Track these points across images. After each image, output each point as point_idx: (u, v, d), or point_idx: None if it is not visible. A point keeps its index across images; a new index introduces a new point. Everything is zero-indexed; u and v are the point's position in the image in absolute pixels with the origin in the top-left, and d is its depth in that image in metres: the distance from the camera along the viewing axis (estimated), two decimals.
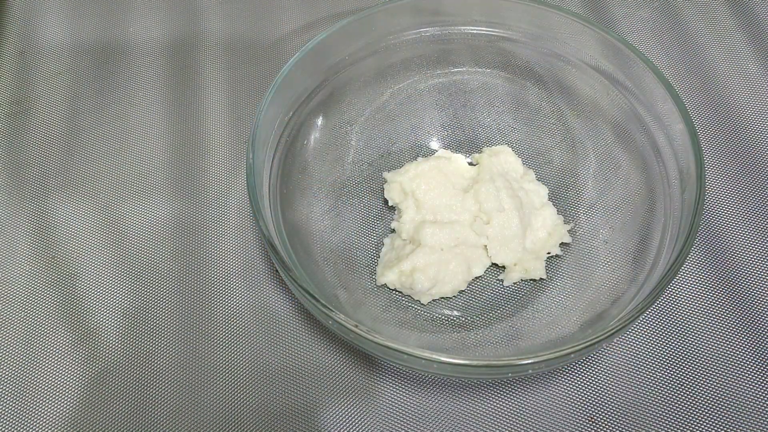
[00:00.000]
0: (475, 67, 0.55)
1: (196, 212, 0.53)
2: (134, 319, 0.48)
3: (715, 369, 0.46)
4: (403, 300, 0.49)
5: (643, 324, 0.48)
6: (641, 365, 0.46)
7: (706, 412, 0.45)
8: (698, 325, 0.48)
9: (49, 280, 0.50)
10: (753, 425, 0.44)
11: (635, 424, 0.45)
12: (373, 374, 0.46)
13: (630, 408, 0.45)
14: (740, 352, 0.47)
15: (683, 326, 0.48)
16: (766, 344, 0.47)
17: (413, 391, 0.46)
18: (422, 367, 0.40)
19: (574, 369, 0.46)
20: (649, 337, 0.47)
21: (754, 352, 0.47)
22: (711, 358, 0.47)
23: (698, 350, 0.47)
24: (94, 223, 0.52)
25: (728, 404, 0.45)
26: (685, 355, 0.47)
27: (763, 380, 0.46)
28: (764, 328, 0.48)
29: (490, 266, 0.50)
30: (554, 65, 0.53)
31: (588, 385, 0.46)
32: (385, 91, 0.55)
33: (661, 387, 0.46)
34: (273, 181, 0.47)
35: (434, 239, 0.48)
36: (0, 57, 0.61)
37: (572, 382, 0.46)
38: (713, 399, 0.45)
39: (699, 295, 0.49)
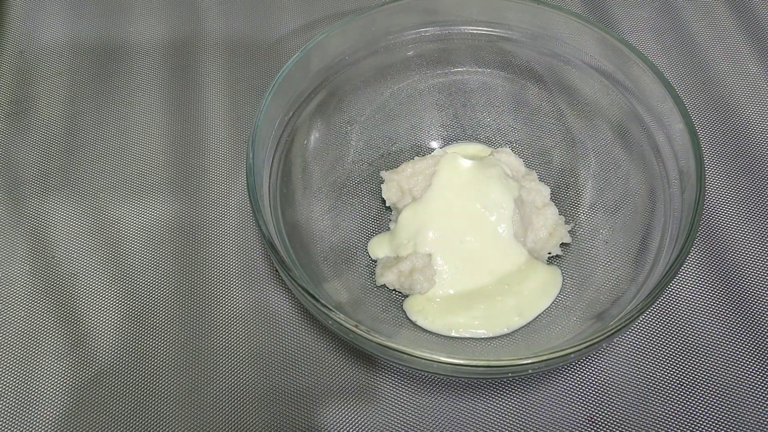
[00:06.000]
0: (475, 67, 0.55)
1: (196, 212, 0.53)
2: (134, 320, 0.48)
3: (715, 369, 0.46)
4: (403, 300, 0.49)
5: (643, 324, 0.48)
6: (641, 365, 0.46)
7: (706, 412, 0.45)
8: (698, 324, 0.48)
9: (49, 279, 0.50)
10: (753, 425, 0.44)
11: (635, 424, 0.45)
12: (373, 374, 0.46)
13: (630, 408, 0.45)
14: (740, 351, 0.47)
15: (683, 326, 0.48)
16: (766, 344, 0.47)
17: (413, 391, 0.46)
18: (422, 367, 0.40)
19: (574, 369, 0.46)
20: (649, 337, 0.47)
21: (754, 351, 0.47)
22: (711, 358, 0.47)
23: (698, 350, 0.47)
24: (93, 223, 0.52)
25: (728, 404, 0.45)
26: (685, 354, 0.47)
27: (764, 380, 0.46)
28: (764, 328, 0.48)
29: None
30: (554, 65, 0.53)
31: (588, 385, 0.46)
32: (385, 91, 0.55)
33: (661, 387, 0.46)
34: (273, 181, 0.47)
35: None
36: (0, 57, 0.61)
37: (572, 382, 0.46)
38: (713, 399, 0.45)
39: (699, 295, 0.49)
